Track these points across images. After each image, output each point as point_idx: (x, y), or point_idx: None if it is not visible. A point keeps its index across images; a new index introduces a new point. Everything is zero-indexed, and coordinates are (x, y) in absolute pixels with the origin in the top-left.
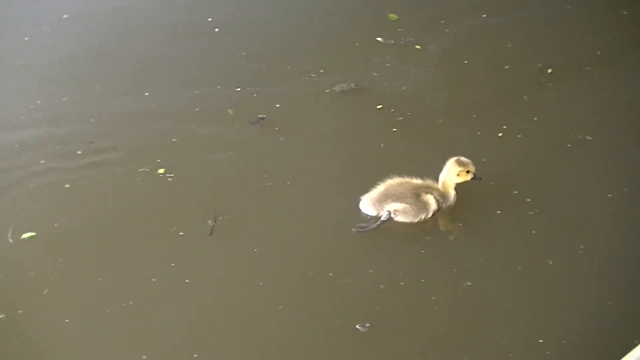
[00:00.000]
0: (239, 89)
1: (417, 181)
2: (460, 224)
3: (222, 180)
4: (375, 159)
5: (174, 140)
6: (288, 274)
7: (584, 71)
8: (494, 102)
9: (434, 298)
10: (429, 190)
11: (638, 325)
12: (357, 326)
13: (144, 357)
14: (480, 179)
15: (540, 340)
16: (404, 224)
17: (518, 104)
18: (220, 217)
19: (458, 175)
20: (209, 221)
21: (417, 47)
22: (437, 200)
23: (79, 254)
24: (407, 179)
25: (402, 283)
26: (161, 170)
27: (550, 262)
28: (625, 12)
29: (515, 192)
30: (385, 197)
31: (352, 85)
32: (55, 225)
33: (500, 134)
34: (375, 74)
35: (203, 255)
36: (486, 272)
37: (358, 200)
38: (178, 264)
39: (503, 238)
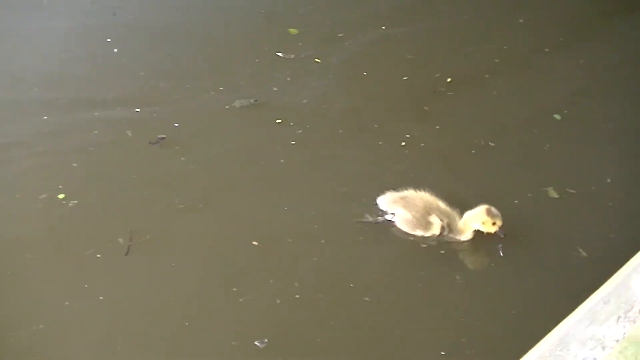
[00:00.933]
0: (138, 110)
1: (440, 203)
2: (361, 238)
3: (128, 203)
4: (276, 173)
5: (74, 165)
6: (197, 290)
7: (483, 79)
8: (395, 112)
9: (332, 312)
10: (441, 215)
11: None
12: (256, 342)
13: None
14: (504, 236)
15: (442, 353)
16: (400, 230)
17: (419, 113)
18: (132, 238)
19: (483, 223)
20: (120, 240)
21: (317, 60)
22: (443, 227)
23: None
24: (434, 198)
25: (297, 296)
26: (61, 196)
27: (458, 277)
28: (521, 20)
29: None
30: (400, 201)
31: (252, 100)
32: None
33: (403, 143)
34: (275, 89)
35: (117, 274)
36: (384, 288)
37: (262, 216)
38: (92, 285)
39: (404, 252)
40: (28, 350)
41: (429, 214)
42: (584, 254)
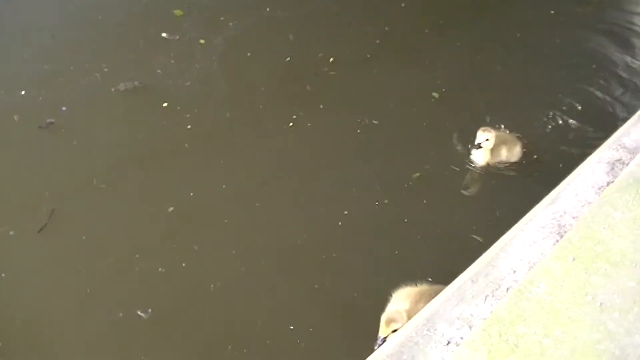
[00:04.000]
0: (23, 92)
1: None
2: (257, 204)
3: (27, 184)
4: (172, 158)
5: None
6: (103, 261)
7: (364, 59)
8: (279, 93)
9: (212, 286)
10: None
11: None
12: (139, 312)
13: None
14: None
15: (291, 327)
16: None
17: (303, 94)
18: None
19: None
20: (46, 209)
21: (202, 41)
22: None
23: None
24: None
25: (183, 264)
26: None
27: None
28: (403, 4)
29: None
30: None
31: (136, 83)
32: None
33: (290, 124)
34: (159, 71)
35: (24, 252)
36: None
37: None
38: None
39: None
40: None
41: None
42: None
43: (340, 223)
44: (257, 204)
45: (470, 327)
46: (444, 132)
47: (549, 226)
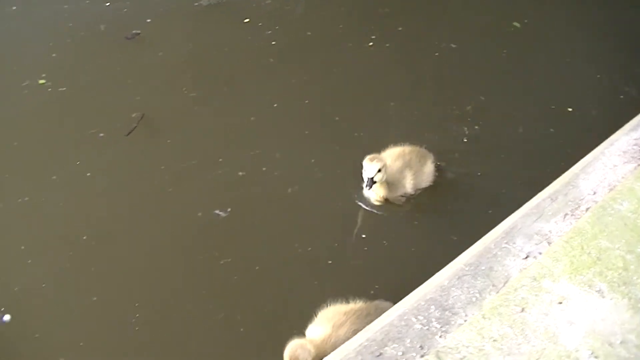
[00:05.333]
0: (108, 4)
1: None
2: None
3: (116, 91)
4: (257, 72)
5: (54, 55)
6: (187, 164)
7: None
8: (359, 14)
9: (289, 189)
10: None
11: None
12: (218, 211)
13: (22, 246)
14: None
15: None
16: None
17: (383, 15)
18: (136, 120)
19: None
20: (136, 115)
21: None
22: None
23: None
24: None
25: (263, 169)
26: (42, 82)
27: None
28: None
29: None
30: None
31: None
32: None
33: (370, 44)
34: None
35: (111, 153)
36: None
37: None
38: (83, 162)
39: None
40: (13, 220)
41: None
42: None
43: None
44: (336, 118)
45: (548, 243)
46: (521, 63)
47: (630, 151)
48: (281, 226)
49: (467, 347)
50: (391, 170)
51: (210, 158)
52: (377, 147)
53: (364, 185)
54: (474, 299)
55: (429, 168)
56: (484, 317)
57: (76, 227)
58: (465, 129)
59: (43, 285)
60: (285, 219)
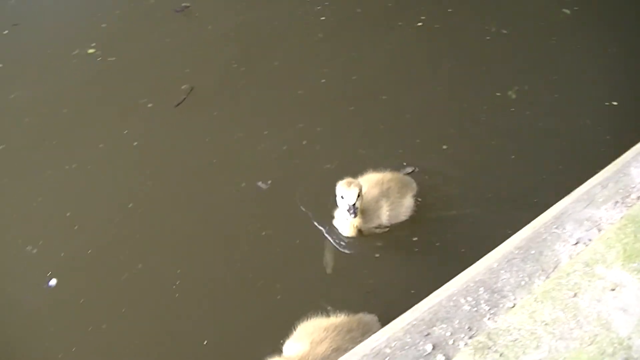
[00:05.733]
0: None
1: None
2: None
3: (166, 63)
4: (306, 46)
5: (103, 25)
6: (232, 136)
7: None
8: None
9: (328, 166)
10: None
11: None
12: (260, 183)
13: (69, 213)
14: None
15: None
16: None
17: None
18: (185, 92)
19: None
20: (185, 87)
21: None
22: None
23: (34, 119)
24: None
25: (304, 142)
26: (91, 51)
27: None
28: None
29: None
30: None
31: None
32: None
33: (419, 24)
34: None
35: (159, 123)
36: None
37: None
38: (131, 131)
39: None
40: (60, 186)
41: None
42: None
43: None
44: (383, 97)
45: (599, 230)
46: (573, 51)
47: None
48: (319, 200)
49: (519, 329)
50: (366, 197)
51: (256, 131)
52: (422, 129)
53: (348, 213)
54: (523, 282)
55: (408, 201)
56: (535, 301)
57: (122, 195)
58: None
59: (89, 252)
60: (323, 193)
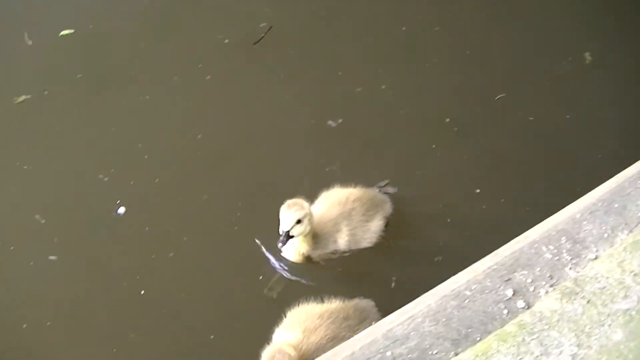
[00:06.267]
0: None
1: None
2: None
3: (242, 3)
4: None
5: None
6: (308, 75)
7: None
8: None
9: (402, 112)
10: None
11: None
12: (330, 121)
13: (140, 144)
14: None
15: None
16: None
17: None
18: (263, 30)
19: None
20: (264, 25)
21: None
22: None
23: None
24: None
25: (383, 86)
26: None
27: None
28: None
29: None
30: None
31: None
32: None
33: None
34: None
35: (234, 59)
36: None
37: None
38: (205, 65)
39: None
40: (132, 116)
41: None
42: None
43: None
44: (467, 52)
45: None
46: None
47: None
48: (388, 144)
49: (607, 277)
50: (322, 219)
51: (331, 72)
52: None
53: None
54: (605, 235)
55: (375, 225)
56: (624, 250)
57: (192, 128)
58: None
59: (156, 181)
60: (392, 139)
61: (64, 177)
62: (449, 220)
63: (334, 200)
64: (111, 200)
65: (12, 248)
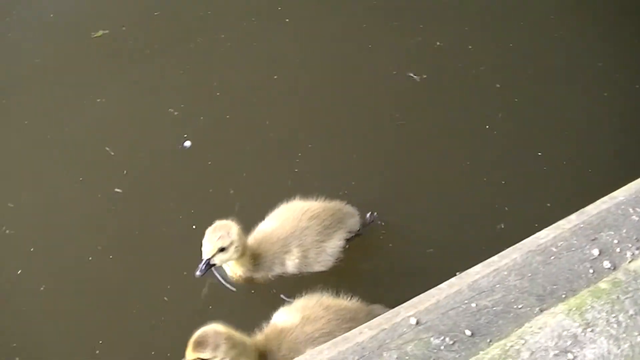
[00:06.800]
0: None
1: None
2: None
3: None
4: None
5: None
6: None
7: None
8: None
9: (482, 68)
10: None
11: None
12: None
13: (215, 84)
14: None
15: None
16: None
17: None
18: None
19: None
20: None
21: None
22: None
23: None
24: None
25: (469, 47)
26: None
27: None
28: None
29: None
30: None
31: None
32: None
33: None
34: None
35: (313, 3)
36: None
37: None
38: (284, 8)
39: None
40: (207, 55)
41: None
42: None
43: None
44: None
45: None
46: None
47: None
48: (471, 99)
49: None
50: (270, 237)
51: (412, 25)
52: None
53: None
54: None
55: (333, 246)
56: None
57: (268, 68)
58: None
59: (227, 117)
60: (475, 93)
61: (135, 111)
62: None
63: (287, 216)
64: (179, 134)
65: (80, 179)
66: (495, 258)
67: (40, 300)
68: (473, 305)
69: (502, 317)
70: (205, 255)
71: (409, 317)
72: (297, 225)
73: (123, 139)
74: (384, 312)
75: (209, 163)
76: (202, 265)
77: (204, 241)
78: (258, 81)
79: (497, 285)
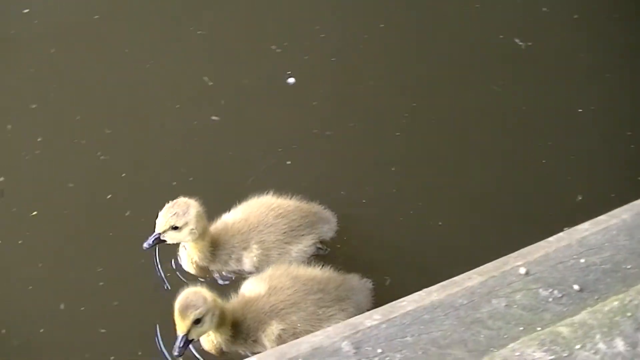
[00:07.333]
0: None
1: None
2: None
3: None
4: None
5: None
6: None
7: None
8: None
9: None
10: None
11: None
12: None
13: (317, 27)
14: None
15: None
16: None
17: None
18: None
19: None
20: None
21: None
22: None
23: None
24: None
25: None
26: None
27: None
28: None
29: None
30: None
31: None
32: None
33: None
34: None
35: None
36: None
37: None
38: None
39: None
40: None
41: None
42: None
43: None
44: None
45: None
46: None
47: None
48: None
49: None
50: (230, 229)
51: None
52: None
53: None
54: None
55: (299, 250)
56: None
57: (375, 17)
58: None
59: (333, 60)
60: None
61: (235, 44)
62: None
63: (253, 211)
64: (281, 71)
65: (177, 106)
66: (604, 217)
67: (125, 226)
68: (582, 261)
69: (611, 275)
70: (157, 229)
71: (518, 266)
72: (259, 223)
73: (222, 71)
74: (359, 283)
75: (314, 103)
76: (151, 238)
77: (159, 214)
78: (364, 28)
79: (606, 244)
